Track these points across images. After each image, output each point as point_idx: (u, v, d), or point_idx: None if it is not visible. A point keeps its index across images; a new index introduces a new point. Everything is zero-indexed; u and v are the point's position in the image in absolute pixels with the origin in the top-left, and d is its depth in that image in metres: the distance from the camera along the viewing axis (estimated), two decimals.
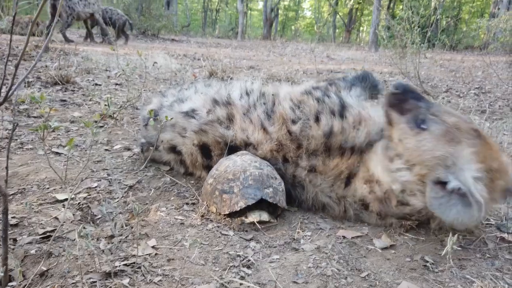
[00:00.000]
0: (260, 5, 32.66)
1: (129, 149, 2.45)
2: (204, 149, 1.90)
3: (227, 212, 1.58)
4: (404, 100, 1.57)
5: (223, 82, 2.28)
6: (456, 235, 1.20)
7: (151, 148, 2.07)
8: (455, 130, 1.41)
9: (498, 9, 13.37)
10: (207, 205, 1.68)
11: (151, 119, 1.74)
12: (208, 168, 1.90)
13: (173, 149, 2.02)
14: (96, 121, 2.95)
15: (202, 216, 1.63)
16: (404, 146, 1.49)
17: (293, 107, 1.78)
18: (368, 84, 2.16)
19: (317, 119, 1.70)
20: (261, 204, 1.61)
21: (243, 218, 1.60)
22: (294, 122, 1.73)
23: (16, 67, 1.00)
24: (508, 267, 1.38)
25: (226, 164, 1.69)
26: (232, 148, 1.82)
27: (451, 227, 1.50)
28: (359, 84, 2.13)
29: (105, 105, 1.44)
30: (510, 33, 8.67)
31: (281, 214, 1.69)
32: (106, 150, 2.45)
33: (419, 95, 1.60)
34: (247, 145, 1.80)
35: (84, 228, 1.21)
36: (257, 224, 1.57)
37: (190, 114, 1.94)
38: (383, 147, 1.59)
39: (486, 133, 1.51)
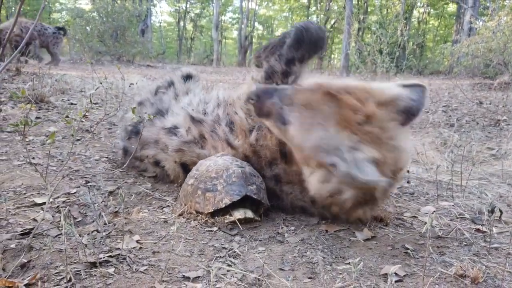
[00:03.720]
0: (235, 33, 33.42)
1: (107, 161, 2.42)
2: (185, 166, 1.90)
3: (212, 210, 1.57)
4: (261, 106, 1.50)
5: (204, 90, 2.30)
6: (433, 218, 1.25)
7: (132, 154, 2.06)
8: (310, 111, 1.34)
9: (460, 36, 14.20)
10: (189, 206, 1.66)
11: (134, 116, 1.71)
12: None
13: (158, 163, 2.03)
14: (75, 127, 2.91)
15: (180, 215, 1.62)
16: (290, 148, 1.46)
17: (246, 116, 1.74)
18: (307, 48, 1.78)
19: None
20: (244, 203, 1.61)
21: (227, 216, 1.59)
22: (250, 131, 1.71)
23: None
24: (484, 252, 1.43)
25: (207, 164, 1.68)
26: None
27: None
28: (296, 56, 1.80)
29: (89, 102, 1.44)
30: (472, 57, 9.18)
31: (263, 213, 1.69)
32: (83, 161, 2.41)
33: (270, 90, 1.50)
34: None
35: (68, 217, 1.18)
36: (238, 223, 1.55)
37: (172, 131, 1.92)
38: None
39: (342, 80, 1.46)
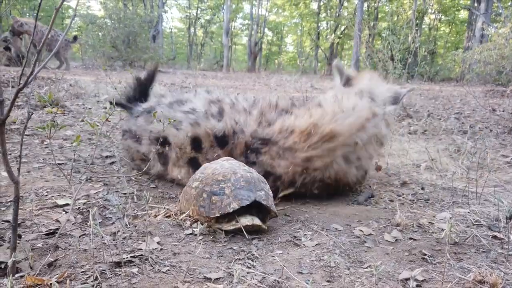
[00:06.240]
0: (244, 39, 33.63)
1: (124, 164, 2.46)
2: (195, 142, 1.99)
3: (218, 215, 1.47)
4: None
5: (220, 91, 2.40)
6: (452, 224, 1.26)
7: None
8: None
9: (472, 43, 14.13)
10: (191, 211, 1.57)
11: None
12: (191, 163, 1.99)
13: (158, 140, 1.97)
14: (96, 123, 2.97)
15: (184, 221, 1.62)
16: None
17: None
18: None
19: None
20: (250, 209, 1.52)
21: (233, 222, 1.49)
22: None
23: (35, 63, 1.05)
24: (502, 259, 1.43)
25: (213, 167, 1.61)
26: (221, 139, 1.94)
27: None
28: None
29: (110, 104, 1.48)
30: (484, 64, 9.11)
31: (278, 218, 1.71)
32: (99, 165, 2.45)
33: None
34: (234, 132, 1.93)
35: (94, 219, 1.21)
36: (244, 231, 1.48)
37: (190, 112, 2.07)
38: None
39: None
